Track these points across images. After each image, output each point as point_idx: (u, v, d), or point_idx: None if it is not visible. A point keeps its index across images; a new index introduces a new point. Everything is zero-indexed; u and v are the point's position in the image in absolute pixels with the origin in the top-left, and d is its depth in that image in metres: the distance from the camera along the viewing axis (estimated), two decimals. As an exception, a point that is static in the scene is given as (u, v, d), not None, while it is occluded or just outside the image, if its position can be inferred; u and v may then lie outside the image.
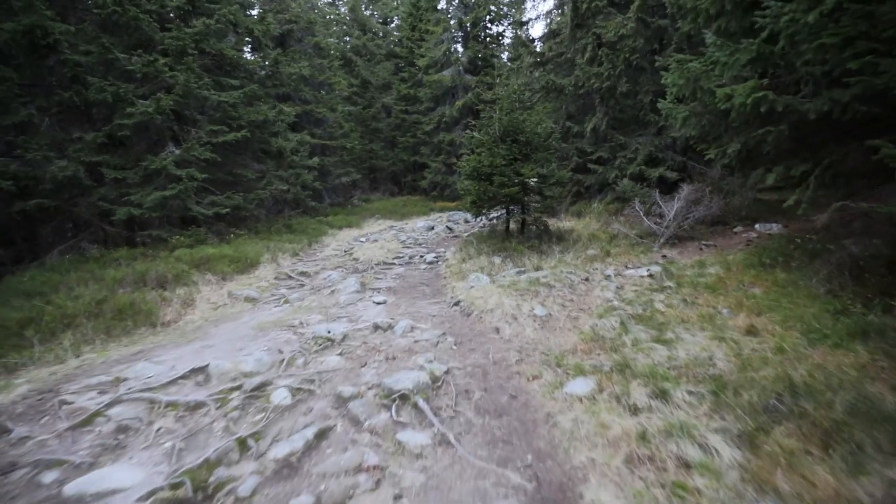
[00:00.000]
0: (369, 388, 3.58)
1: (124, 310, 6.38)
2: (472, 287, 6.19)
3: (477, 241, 9.38)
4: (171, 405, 3.43)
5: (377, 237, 12.83)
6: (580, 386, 3.39)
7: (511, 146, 8.59)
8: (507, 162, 8.45)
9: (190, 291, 7.49)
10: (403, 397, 3.35)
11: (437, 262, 9.36)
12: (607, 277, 6.63)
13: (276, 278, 8.78)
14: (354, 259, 10.14)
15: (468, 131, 8.91)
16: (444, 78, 21.36)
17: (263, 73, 13.12)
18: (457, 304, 5.72)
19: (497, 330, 4.76)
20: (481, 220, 9.71)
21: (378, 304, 6.30)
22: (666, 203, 10.39)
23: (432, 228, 14.25)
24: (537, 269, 6.97)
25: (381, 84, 28.36)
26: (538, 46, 17.68)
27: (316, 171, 13.96)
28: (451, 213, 18.04)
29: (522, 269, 6.97)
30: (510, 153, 8.54)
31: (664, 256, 8.39)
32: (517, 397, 3.40)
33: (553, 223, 10.85)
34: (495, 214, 9.80)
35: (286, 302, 7.06)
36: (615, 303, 5.44)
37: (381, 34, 31.07)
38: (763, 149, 5.40)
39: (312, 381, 3.76)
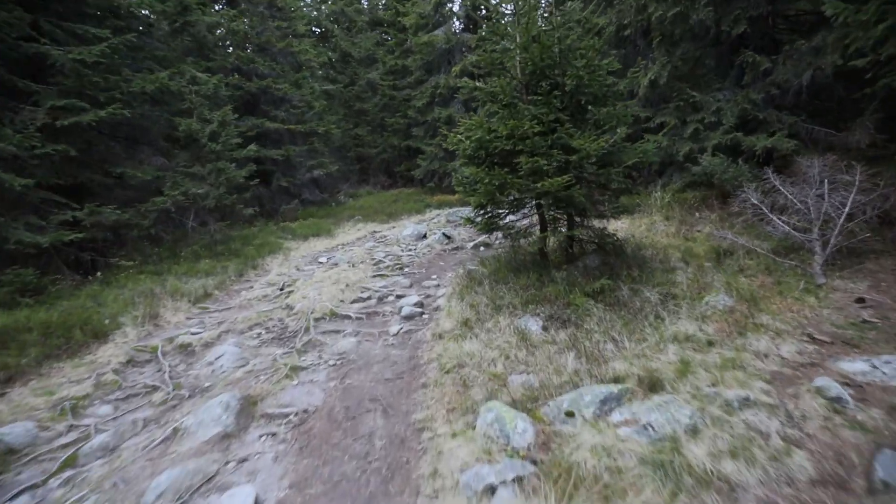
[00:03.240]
0: None
1: None
2: (492, 486, 2.12)
3: (492, 275, 5.29)
4: None
5: (342, 256, 8.78)
6: None
7: (549, 98, 4.44)
8: (543, 128, 4.31)
9: None
10: None
11: (422, 315, 5.30)
12: (839, 407, 2.53)
13: (126, 363, 4.81)
14: (288, 307, 6.13)
15: (466, 80, 4.66)
16: (436, 38, 17.00)
17: (168, 26, 8.97)
18: None
19: None
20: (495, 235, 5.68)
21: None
22: (788, 188, 6.32)
23: (424, 237, 10.19)
24: (648, 384, 2.83)
25: (364, 57, 24.01)
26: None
27: (254, 167, 9.85)
28: (451, 210, 13.92)
29: (610, 384, 2.84)
30: (548, 111, 4.40)
31: (861, 301, 4.26)
32: None
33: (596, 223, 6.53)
34: (523, 220, 5.70)
35: (47, 483, 3.08)
36: None
37: (362, -2, 26.54)
38: None
39: None
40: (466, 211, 13.04)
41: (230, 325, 5.72)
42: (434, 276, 7.18)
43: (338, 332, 5.14)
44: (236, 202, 8.89)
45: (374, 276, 7.29)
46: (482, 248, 9.06)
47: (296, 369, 4.17)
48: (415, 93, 18.80)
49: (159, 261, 7.89)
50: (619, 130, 4.83)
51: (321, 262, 8.68)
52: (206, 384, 4.20)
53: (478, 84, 5.16)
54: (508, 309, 4.38)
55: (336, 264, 8.14)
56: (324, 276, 7.26)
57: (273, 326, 5.61)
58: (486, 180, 4.37)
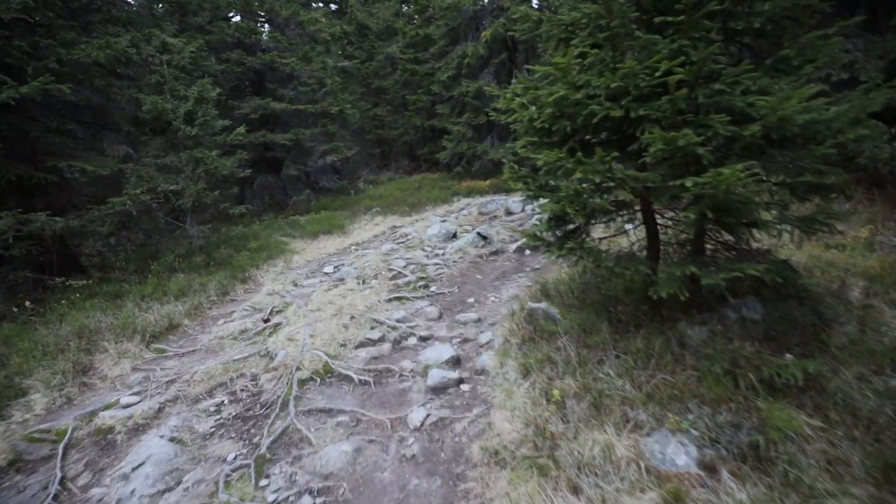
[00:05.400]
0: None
1: None
2: None
3: (572, 328, 3.29)
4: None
5: (351, 268, 6.93)
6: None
7: (694, 21, 2.37)
8: (689, 75, 2.26)
9: None
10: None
11: (459, 386, 3.40)
12: None
13: (7, 466, 3.13)
14: (268, 354, 4.34)
15: (525, 7, 2.46)
16: (462, 0, 14.71)
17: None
18: None
19: None
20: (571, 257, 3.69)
21: None
22: None
23: (453, 236, 8.23)
24: None
25: (382, 29, 21.86)
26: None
27: (244, 155, 8.02)
28: (482, 199, 11.86)
29: None
30: (694, 46, 2.33)
31: None
32: None
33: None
34: (601, 235, 3.68)
35: None
36: None
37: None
38: None
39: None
40: (503, 200, 10.92)
41: (183, 385, 3.98)
42: (471, 300, 5.26)
43: (329, 413, 3.31)
44: (220, 198, 7.12)
45: (391, 300, 5.43)
46: (527, 252, 7.07)
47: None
48: (439, 65, 16.59)
49: (123, 277, 6.26)
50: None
51: (326, 274, 6.89)
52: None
53: (546, 13, 3.09)
54: (618, 406, 2.42)
55: (342, 279, 6.31)
56: (324, 301, 5.44)
57: (241, 390, 3.84)
58: (578, 173, 2.37)
